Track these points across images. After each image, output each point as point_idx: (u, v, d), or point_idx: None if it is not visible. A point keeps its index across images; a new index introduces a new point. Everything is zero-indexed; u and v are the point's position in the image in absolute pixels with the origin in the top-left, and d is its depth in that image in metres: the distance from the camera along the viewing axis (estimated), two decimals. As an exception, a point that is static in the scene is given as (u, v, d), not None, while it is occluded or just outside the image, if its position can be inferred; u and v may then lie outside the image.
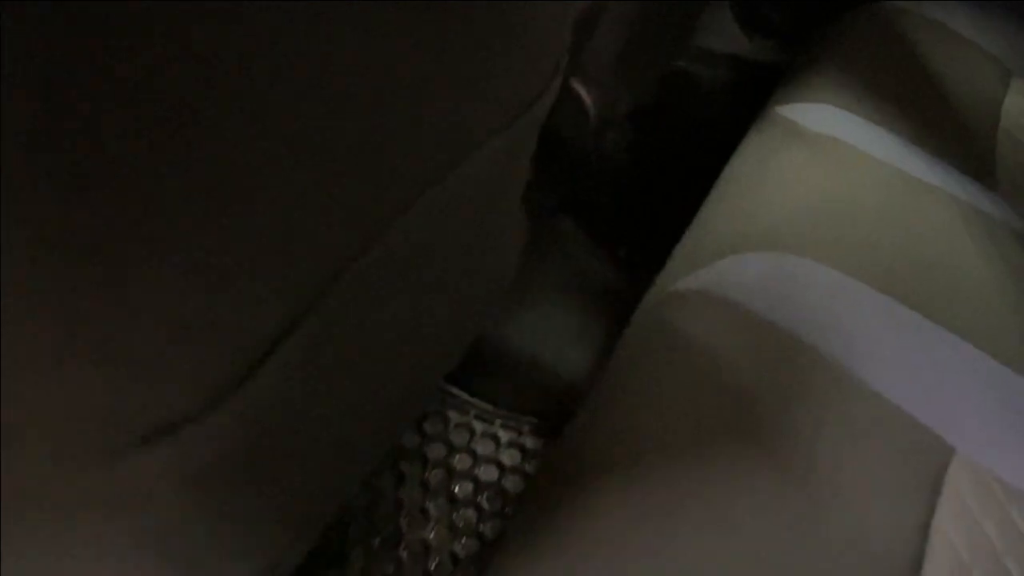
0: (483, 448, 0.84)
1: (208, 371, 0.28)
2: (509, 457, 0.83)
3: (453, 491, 0.80)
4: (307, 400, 0.36)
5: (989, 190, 0.73)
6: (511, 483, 0.80)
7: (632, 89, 1.01)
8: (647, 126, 1.23)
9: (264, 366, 0.31)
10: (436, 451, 0.83)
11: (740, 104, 1.05)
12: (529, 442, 0.84)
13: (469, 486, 0.80)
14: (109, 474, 0.27)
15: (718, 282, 0.57)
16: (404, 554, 0.74)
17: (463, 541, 0.76)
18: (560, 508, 0.46)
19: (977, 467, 0.52)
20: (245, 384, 0.30)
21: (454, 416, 0.86)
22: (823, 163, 0.69)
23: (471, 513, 0.78)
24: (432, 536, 0.76)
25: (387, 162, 0.32)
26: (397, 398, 0.51)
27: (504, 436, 0.85)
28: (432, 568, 0.74)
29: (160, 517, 0.31)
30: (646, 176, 1.20)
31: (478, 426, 0.86)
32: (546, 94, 0.45)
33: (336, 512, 0.56)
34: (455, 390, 0.87)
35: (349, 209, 0.31)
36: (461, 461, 0.82)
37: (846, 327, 0.56)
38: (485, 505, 0.79)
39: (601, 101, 0.93)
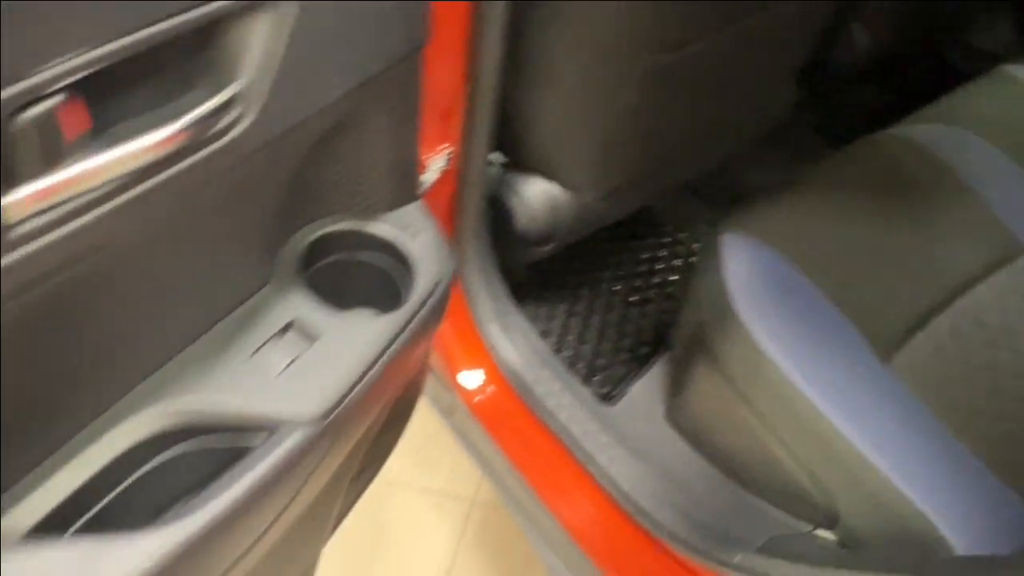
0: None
1: (682, 32, 0.75)
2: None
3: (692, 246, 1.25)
4: (696, 81, 0.83)
5: None
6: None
7: (899, 50, 1.36)
8: (907, 93, 1.55)
9: (692, 43, 0.77)
10: (688, 243, 1.28)
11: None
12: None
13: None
14: (634, 65, 0.75)
15: (915, 132, 0.96)
16: (641, 285, 1.21)
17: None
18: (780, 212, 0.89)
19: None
20: (687, 45, 0.77)
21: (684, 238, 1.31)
22: (1013, 93, 1.03)
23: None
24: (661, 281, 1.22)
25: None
26: (714, 134, 0.97)
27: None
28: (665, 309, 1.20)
29: (636, 100, 0.79)
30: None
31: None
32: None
33: (646, 200, 1.03)
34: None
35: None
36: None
37: (983, 170, 0.92)
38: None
39: (871, 48, 1.29)
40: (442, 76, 0.71)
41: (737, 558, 0.69)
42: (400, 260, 0.58)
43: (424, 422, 1.32)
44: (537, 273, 1.19)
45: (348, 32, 0.42)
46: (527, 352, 0.93)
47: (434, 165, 0.78)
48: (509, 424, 0.92)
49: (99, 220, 0.31)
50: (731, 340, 0.76)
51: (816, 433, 0.68)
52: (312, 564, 0.66)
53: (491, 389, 0.93)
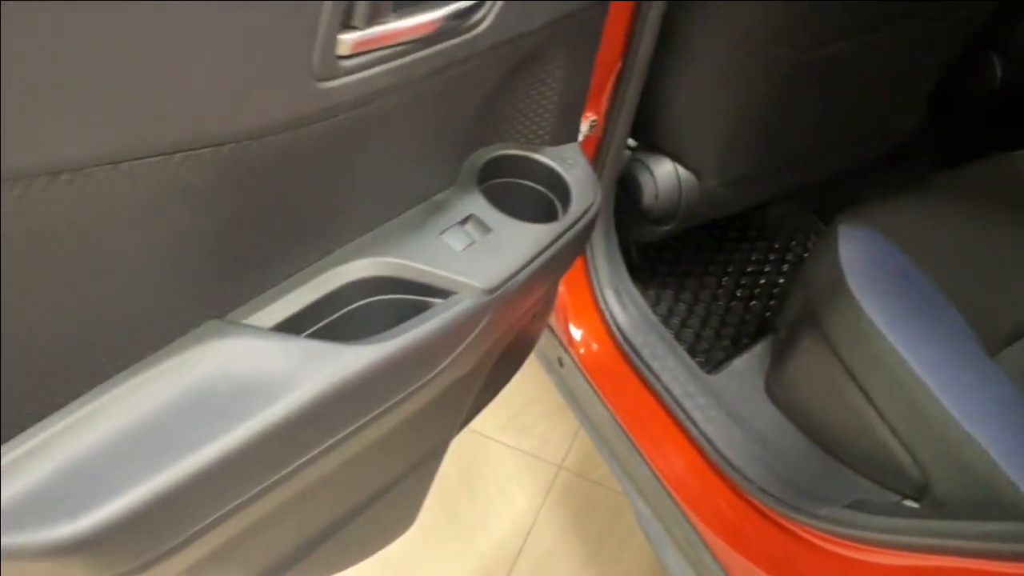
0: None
1: (817, 33, 0.82)
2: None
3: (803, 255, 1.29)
4: (826, 84, 0.89)
5: None
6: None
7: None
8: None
9: (835, 42, 0.84)
10: (798, 251, 1.33)
11: None
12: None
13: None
14: (768, 59, 0.82)
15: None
16: (748, 284, 1.26)
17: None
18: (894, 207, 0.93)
19: None
20: (822, 47, 0.84)
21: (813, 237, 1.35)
22: None
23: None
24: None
25: None
26: (838, 141, 1.03)
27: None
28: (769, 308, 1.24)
29: (767, 93, 0.86)
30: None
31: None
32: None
33: (768, 191, 1.09)
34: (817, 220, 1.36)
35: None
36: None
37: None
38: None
39: (1007, 81, 1.31)
40: (603, 49, 0.81)
41: (823, 511, 0.74)
42: (557, 187, 0.67)
43: (522, 391, 1.42)
44: (649, 260, 1.26)
45: None
46: (638, 318, 1.01)
47: (580, 127, 0.87)
48: (614, 380, 0.99)
49: (384, 73, 0.42)
50: (841, 312, 0.82)
51: (916, 403, 0.73)
52: (441, 449, 0.76)
53: (601, 347, 1.01)
